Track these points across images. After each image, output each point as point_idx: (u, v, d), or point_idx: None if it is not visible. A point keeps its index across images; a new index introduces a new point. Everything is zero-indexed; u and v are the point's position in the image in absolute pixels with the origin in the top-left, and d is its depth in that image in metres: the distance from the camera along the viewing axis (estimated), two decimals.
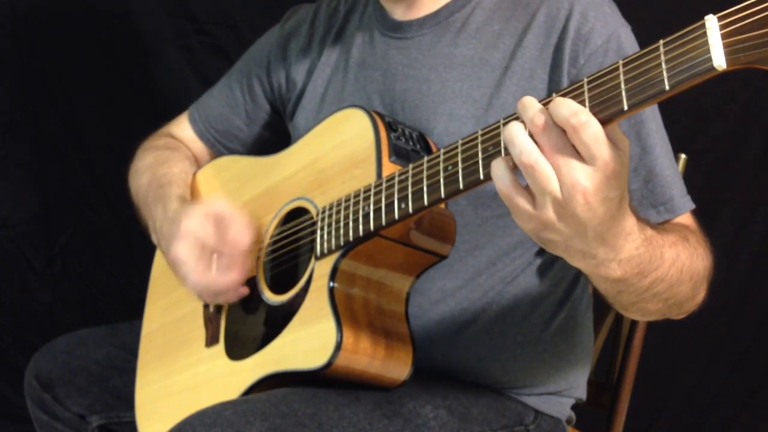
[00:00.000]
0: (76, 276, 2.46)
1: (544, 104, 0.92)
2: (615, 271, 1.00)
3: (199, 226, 1.36)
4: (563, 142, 0.90)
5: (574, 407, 1.50)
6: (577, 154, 0.90)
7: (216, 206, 1.39)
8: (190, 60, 2.32)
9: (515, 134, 0.92)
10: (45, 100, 2.37)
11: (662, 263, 1.06)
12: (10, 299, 2.45)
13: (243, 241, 1.36)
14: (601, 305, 1.66)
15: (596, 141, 0.88)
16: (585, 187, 0.89)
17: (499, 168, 0.95)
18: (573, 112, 0.88)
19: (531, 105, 0.92)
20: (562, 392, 1.45)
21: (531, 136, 0.92)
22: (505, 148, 0.99)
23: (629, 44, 1.29)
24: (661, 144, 1.28)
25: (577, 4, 1.29)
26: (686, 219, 1.29)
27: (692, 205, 1.29)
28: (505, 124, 1.00)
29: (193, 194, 1.58)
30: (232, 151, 1.70)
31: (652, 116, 1.28)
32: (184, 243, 1.36)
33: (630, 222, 0.98)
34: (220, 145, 1.70)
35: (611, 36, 1.27)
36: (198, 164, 1.70)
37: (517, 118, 0.98)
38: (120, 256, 2.45)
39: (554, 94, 0.94)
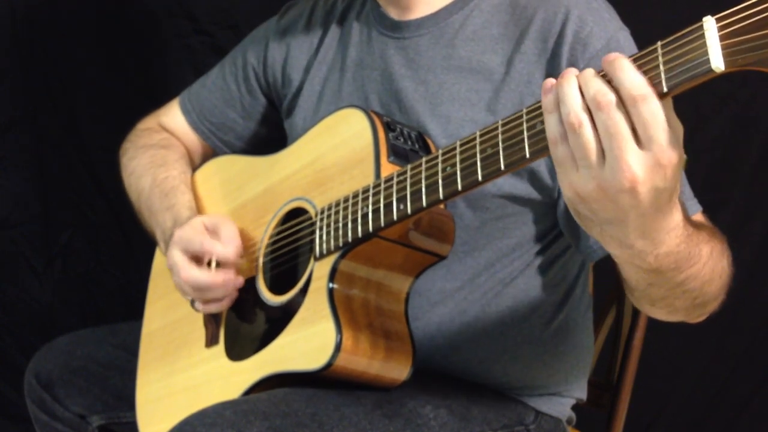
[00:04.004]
0: (76, 276, 2.46)
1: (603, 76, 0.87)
2: (650, 264, 0.97)
3: (191, 232, 1.40)
4: (621, 121, 0.85)
5: (574, 407, 1.50)
6: (633, 136, 0.85)
7: (211, 218, 1.44)
8: (190, 60, 2.32)
9: (569, 93, 0.88)
10: (45, 100, 2.36)
11: (699, 260, 1.03)
12: (10, 299, 2.44)
13: (229, 246, 1.39)
14: (601, 305, 1.66)
15: (654, 118, 0.84)
16: (634, 171, 0.85)
17: (552, 116, 0.90)
18: (638, 83, 0.83)
19: (588, 80, 0.87)
20: (563, 392, 1.45)
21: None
22: (505, 148, 0.99)
23: (629, 48, 1.27)
24: None
25: (574, 8, 1.28)
26: (699, 218, 1.26)
27: (699, 208, 1.27)
28: (503, 125, 1.00)
29: (193, 195, 1.59)
30: (226, 144, 1.69)
31: None
32: (175, 246, 1.40)
33: (677, 217, 0.94)
34: (214, 137, 1.69)
35: (610, 39, 1.26)
36: (191, 158, 1.70)
37: (516, 118, 0.98)
38: (120, 256, 2.45)
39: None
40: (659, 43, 0.85)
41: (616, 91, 0.86)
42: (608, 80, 0.87)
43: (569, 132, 0.88)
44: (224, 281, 1.38)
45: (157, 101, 1.78)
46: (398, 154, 1.25)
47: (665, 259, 0.97)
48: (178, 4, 2.31)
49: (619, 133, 0.85)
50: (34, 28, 2.32)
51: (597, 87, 0.86)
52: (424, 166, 1.11)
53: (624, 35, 1.28)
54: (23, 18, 2.31)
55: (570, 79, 0.89)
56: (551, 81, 0.91)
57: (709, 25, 0.81)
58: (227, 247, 1.38)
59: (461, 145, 1.05)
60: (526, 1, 1.33)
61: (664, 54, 0.84)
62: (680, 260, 0.99)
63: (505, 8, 1.35)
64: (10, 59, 2.33)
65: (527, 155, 0.96)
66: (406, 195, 1.13)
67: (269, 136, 1.69)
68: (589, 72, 0.88)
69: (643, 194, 0.86)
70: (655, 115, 0.84)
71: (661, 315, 1.16)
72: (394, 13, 1.43)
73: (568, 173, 0.90)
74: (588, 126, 0.87)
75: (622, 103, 0.85)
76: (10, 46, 2.32)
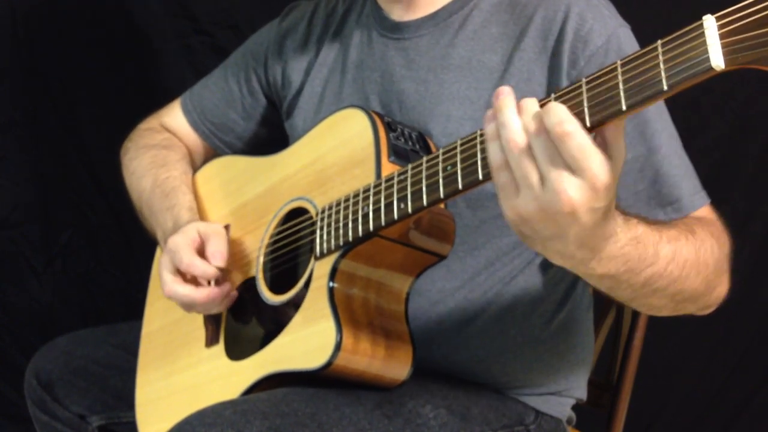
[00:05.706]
0: (76, 276, 2.46)
1: (541, 106, 0.91)
2: (595, 269, 0.99)
3: (181, 244, 1.38)
4: (555, 150, 0.89)
5: (574, 407, 1.50)
6: (567, 164, 0.89)
7: (207, 228, 1.41)
8: (190, 60, 2.32)
9: (509, 118, 0.92)
10: (45, 100, 2.37)
11: (657, 260, 1.04)
12: (10, 299, 2.45)
13: (213, 263, 1.37)
14: (601, 305, 1.66)
15: (582, 152, 0.87)
16: (571, 197, 0.89)
17: (494, 144, 0.94)
18: (559, 120, 0.87)
19: (526, 108, 0.92)
20: (563, 392, 1.44)
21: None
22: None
23: (629, 45, 1.27)
24: (668, 143, 1.26)
25: (575, 6, 1.28)
26: (702, 212, 1.26)
27: (704, 201, 1.27)
28: None
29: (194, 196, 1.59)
30: (227, 144, 1.70)
31: (657, 115, 1.26)
32: (166, 256, 1.40)
33: (611, 225, 0.96)
34: (215, 137, 1.70)
35: (611, 36, 1.26)
36: (192, 158, 1.70)
37: None
38: (120, 256, 2.45)
39: (552, 95, 0.94)
40: (659, 42, 0.85)
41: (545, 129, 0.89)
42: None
43: (509, 155, 0.92)
44: (208, 298, 1.37)
45: (157, 101, 1.79)
46: (399, 154, 1.25)
47: (610, 263, 0.99)
48: (178, 4, 2.31)
49: (554, 161, 0.89)
50: (34, 28, 2.32)
51: (531, 112, 0.91)
52: (424, 166, 1.11)
53: (624, 32, 1.28)
54: (23, 18, 2.31)
55: (510, 104, 0.93)
56: (492, 111, 0.95)
57: (709, 23, 0.81)
58: (211, 263, 1.37)
59: (461, 144, 1.05)
60: None
61: (664, 53, 0.84)
62: (631, 262, 1.01)
63: (504, 7, 1.35)
64: (10, 59, 2.33)
65: None
66: (406, 194, 1.13)
67: (270, 137, 1.69)
68: (528, 101, 0.92)
69: (582, 215, 0.90)
70: (582, 147, 0.87)
71: (645, 311, 1.19)
72: (394, 14, 1.43)
73: (510, 197, 0.94)
74: (527, 150, 0.91)
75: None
76: (10, 46, 2.32)
